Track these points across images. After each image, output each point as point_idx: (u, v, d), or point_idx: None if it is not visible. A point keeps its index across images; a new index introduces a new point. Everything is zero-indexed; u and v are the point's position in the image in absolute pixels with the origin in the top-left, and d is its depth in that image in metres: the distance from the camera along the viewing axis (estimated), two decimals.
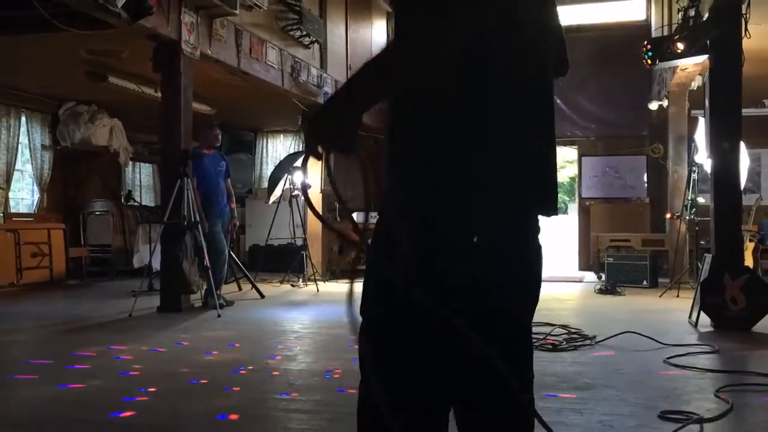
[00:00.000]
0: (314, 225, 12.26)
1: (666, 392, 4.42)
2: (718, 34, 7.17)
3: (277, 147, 15.99)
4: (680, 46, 7.40)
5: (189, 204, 7.99)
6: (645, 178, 14.85)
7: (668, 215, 11.61)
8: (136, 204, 12.75)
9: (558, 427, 3.68)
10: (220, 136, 9.05)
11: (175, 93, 8.28)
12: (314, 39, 11.59)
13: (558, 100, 15.06)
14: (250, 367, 5.19)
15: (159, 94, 8.84)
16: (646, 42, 7.76)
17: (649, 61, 7.78)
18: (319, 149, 1.87)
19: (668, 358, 5.50)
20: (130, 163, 14.48)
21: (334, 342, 6.44)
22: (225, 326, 7.24)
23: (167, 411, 4.12)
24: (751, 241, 10.73)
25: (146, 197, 15.35)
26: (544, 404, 4.14)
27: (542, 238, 1.96)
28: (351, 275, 10.41)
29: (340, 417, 3.94)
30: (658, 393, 4.40)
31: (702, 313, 7.14)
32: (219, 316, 7.75)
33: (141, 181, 15.50)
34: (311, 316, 8.22)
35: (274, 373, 5.03)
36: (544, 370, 5.09)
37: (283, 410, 4.12)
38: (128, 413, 3.99)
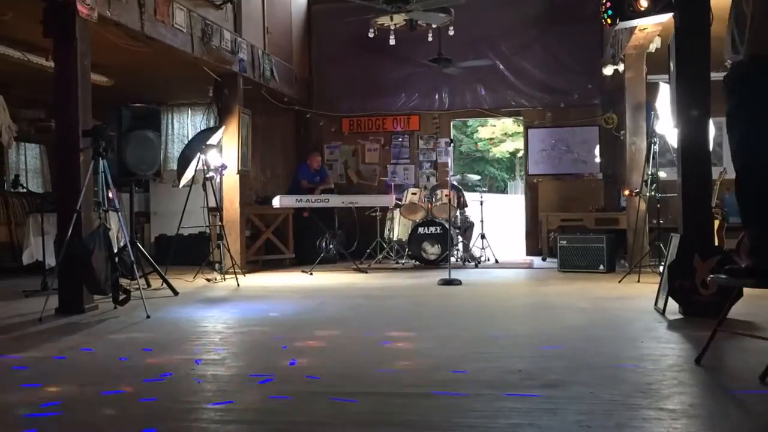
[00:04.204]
0: (231, 211, 12.16)
1: (643, 388, 4.49)
2: None
3: (185, 123, 15.80)
4: (644, 3, 7.49)
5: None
6: (597, 152, 15.10)
7: (626, 192, 11.78)
8: (23, 190, 12.41)
9: (531, 430, 3.72)
10: None
11: (71, 62, 8.08)
12: None
13: (501, 66, 15.22)
14: (173, 374, 5.11)
15: (50, 63, 8.62)
16: None
17: (609, 21, 7.83)
18: None
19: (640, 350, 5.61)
20: (14, 143, 14.14)
21: (265, 343, 6.40)
22: (138, 328, 7.12)
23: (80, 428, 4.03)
24: (715, 218, 10.98)
25: (33, 183, 15.01)
26: (512, 404, 4.18)
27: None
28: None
29: (284, 426, 3.92)
30: (634, 389, 4.47)
31: (670, 299, 7.27)
32: (148, 317, 7.62)
33: (27, 164, 15.15)
34: (235, 314, 8.13)
35: (206, 378, 4.96)
36: (504, 366, 5.15)
37: (218, 422, 4.06)
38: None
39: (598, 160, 15.06)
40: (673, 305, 7.26)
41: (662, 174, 11.05)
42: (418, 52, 14.74)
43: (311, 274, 11.91)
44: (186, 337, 6.67)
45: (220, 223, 11.36)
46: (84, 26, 8.16)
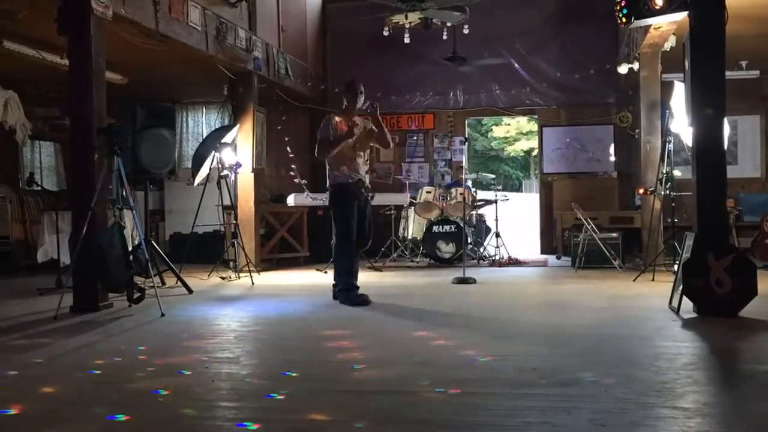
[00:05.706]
0: (246, 209, 12.19)
1: (657, 386, 4.49)
2: None
3: (200, 121, 15.82)
4: (659, 1, 7.47)
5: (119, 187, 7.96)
6: (612, 150, 15.08)
7: (641, 191, 11.76)
8: (38, 188, 12.45)
9: (545, 428, 3.73)
10: None
11: (85, 60, 8.11)
12: None
13: (516, 65, 15.21)
14: (187, 373, 5.13)
15: (65, 62, 8.64)
16: None
17: (624, 20, 7.81)
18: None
19: (654, 348, 5.60)
20: (28, 141, 14.20)
21: (280, 341, 6.42)
22: (152, 326, 7.15)
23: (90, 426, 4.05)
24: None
25: (48, 180, 15.06)
26: (526, 402, 4.19)
27: None
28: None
29: (298, 424, 3.94)
30: (648, 387, 4.47)
31: (684, 298, 7.25)
32: (163, 315, 7.64)
33: (41, 162, 15.21)
34: (249, 312, 8.13)
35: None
36: (519, 365, 5.16)
37: (232, 419, 4.08)
38: None
39: (612, 158, 15.04)
40: (687, 304, 7.24)
41: (677, 173, 11.04)
42: (433, 50, 14.76)
43: (326, 272, 11.90)
44: (200, 335, 6.68)
45: (234, 222, 11.40)
46: (98, 24, 8.19)
